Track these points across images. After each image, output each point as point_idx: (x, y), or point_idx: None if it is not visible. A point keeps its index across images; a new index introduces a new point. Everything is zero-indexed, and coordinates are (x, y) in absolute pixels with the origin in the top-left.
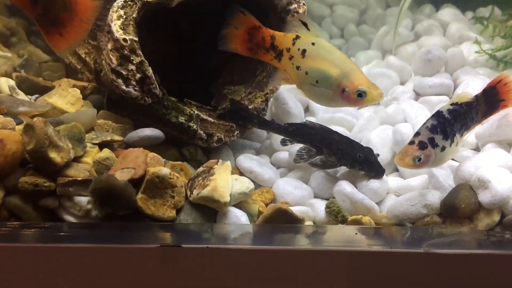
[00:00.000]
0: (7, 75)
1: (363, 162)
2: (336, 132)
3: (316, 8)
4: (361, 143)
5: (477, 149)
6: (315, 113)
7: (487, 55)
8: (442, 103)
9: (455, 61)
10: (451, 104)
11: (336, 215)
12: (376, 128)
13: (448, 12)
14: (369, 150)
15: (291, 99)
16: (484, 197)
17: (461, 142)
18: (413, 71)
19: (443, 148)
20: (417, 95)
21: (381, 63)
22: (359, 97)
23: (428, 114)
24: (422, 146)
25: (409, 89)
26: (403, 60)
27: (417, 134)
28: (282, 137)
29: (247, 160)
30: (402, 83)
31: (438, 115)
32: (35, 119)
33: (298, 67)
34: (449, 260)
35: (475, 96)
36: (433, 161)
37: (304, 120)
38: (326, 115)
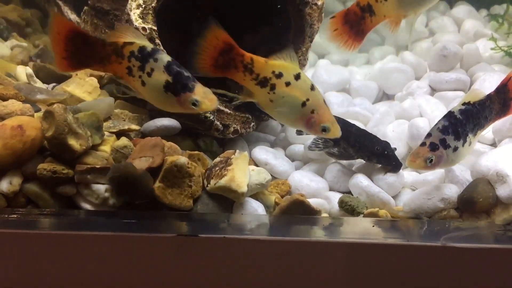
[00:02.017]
0: (23, 64)
1: (380, 155)
2: (354, 125)
3: (329, 4)
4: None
5: (493, 144)
6: (330, 107)
7: (502, 52)
8: (458, 98)
9: (471, 57)
10: (463, 104)
11: (351, 212)
12: (392, 122)
13: (462, 9)
14: (386, 143)
15: None
16: (502, 191)
17: (474, 142)
18: (428, 67)
19: (455, 149)
20: (433, 90)
21: (395, 58)
22: (323, 131)
23: (444, 109)
24: (433, 147)
25: (425, 84)
26: (417, 56)
27: (428, 135)
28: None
29: (262, 152)
30: (417, 79)
31: (449, 115)
32: (55, 105)
33: (273, 92)
34: (466, 254)
35: (488, 95)
36: (445, 161)
37: None
38: (341, 109)
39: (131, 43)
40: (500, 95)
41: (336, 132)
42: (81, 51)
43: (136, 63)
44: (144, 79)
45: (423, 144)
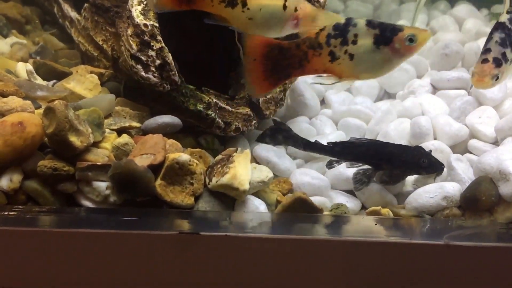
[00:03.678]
0: (23, 61)
1: (428, 166)
2: (388, 143)
3: (330, 3)
4: (378, 136)
5: (496, 142)
6: (331, 105)
7: None
8: (459, 97)
9: (472, 56)
10: (508, 12)
11: None
12: (394, 121)
13: (463, 9)
14: (423, 150)
15: (307, 91)
16: (505, 189)
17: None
18: (429, 65)
19: (511, 61)
20: (434, 88)
21: None
22: (313, 21)
23: (446, 108)
24: (498, 63)
25: (426, 83)
26: (419, 55)
27: (487, 50)
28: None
29: (264, 150)
30: (419, 77)
31: (502, 26)
32: (56, 101)
33: (247, 8)
34: (469, 253)
35: None
36: (506, 74)
37: (347, 137)
38: (342, 107)
39: (321, 29)
40: None
41: (323, 18)
42: (279, 64)
43: (336, 42)
44: (351, 50)
45: (485, 60)
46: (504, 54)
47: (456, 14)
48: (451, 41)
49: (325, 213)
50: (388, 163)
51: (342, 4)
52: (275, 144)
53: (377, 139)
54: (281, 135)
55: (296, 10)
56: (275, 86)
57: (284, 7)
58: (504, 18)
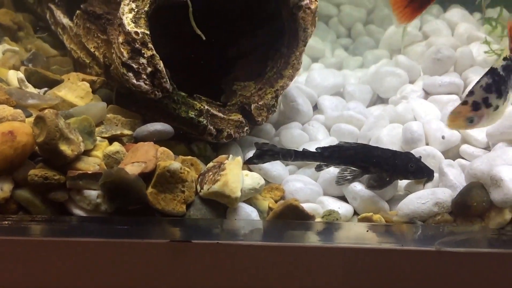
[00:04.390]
0: (15, 69)
1: (415, 171)
2: (376, 148)
3: (324, 8)
4: (371, 142)
5: (487, 148)
6: (324, 111)
7: (496, 56)
8: (452, 102)
9: (464, 60)
10: (504, 59)
11: None
12: (386, 126)
13: (456, 13)
14: (412, 156)
15: (300, 97)
16: (496, 195)
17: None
18: (422, 70)
19: (496, 107)
20: (427, 94)
21: (389, 62)
22: None
23: (438, 113)
24: (476, 106)
25: (419, 88)
26: (411, 60)
27: (470, 93)
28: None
29: None
30: (411, 82)
31: (492, 72)
32: (46, 110)
33: None
34: (460, 259)
35: None
36: (484, 121)
37: (337, 142)
38: (335, 113)
39: None
40: None
41: None
42: None
43: None
44: None
45: (464, 102)
46: (486, 99)
47: (449, 18)
48: (443, 46)
49: (317, 219)
50: (376, 166)
51: (335, 8)
52: (264, 162)
53: (370, 144)
54: (267, 154)
55: None
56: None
57: None
58: (498, 63)
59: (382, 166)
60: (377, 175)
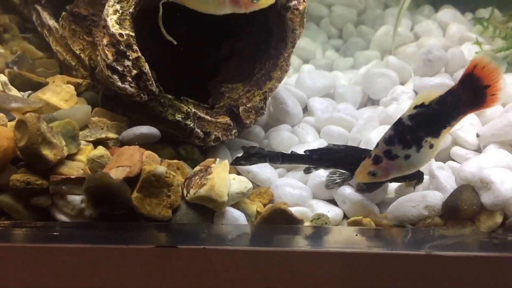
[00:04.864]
0: (0, 71)
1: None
2: (366, 150)
3: (315, 8)
4: (361, 144)
5: (478, 150)
6: (314, 113)
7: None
8: None
9: (456, 61)
10: (415, 107)
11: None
12: (376, 128)
13: (447, 13)
14: None
15: (289, 98)
16: (486, 198)
17: (439, 143)
18: (413, 71)
19: (407, 157)
20: (417, 95)
21: (380, 63)
22: (254, 0)
23: None
24: (376, 161)
25: (409, 89)
26: (402, 61)
27: (376, 146)
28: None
29: None
30: (402, 83)
31: (397, 123)
32: (27, 114)
33: None
34: (451, 263)
35: (449, 89)
36: (398, 170)
37: (325, 144)
38: (325, 115)
39: None
40: (467, 86)
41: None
42: None
43: None
44: None
45: (369, 156)
46: (387, 152)
47: (440, 19)
48: (434, 47)
49: (306, 223)
50: None
51: (326, 9)
52: (252, 164)
53: (360, 146)
54: (255, 157)
55: None
56: None
57: None
58: (406, 114)
59: None
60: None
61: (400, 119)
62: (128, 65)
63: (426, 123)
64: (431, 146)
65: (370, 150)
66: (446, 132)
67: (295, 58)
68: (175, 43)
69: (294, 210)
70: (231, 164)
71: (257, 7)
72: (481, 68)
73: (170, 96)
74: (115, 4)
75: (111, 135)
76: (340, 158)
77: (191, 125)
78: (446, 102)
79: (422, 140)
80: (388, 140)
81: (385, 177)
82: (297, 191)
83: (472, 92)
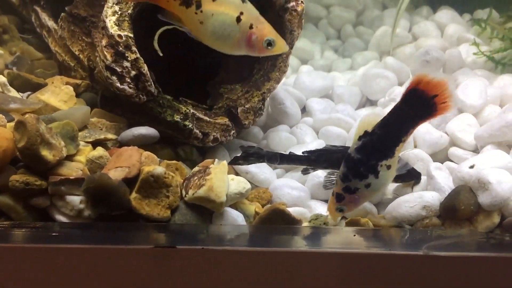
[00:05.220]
0: None
1: (403, 174)
2: None
3: (313, 9)
4: None
5: (475, 150)
6: (312, 114)
7: (485, 57)
8: None
9: (453, 62)
10: (359, 138)
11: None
12: None
13: (445, 14)
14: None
15: (288, 99)
16: (484, 198)
17: (395, 160)
18: (411, 72)
19: (368, 185)
20: None
21: (378, 64)
22: (268, 46)
23: None
24: (339, 198)
25: None
26: (401, 62)
27: (336, 183)
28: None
29: None
30: (400, 84)
31: (347, 159)
32: (26, 115)
33: (200, 10)
34: (449, 263)
35: (391, 110)
36: (364, 198)
37: (323, 145)
38: (323, 116)
39: None
40: (412, 101)
41: (282, 45)
42: None
43: None
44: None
45: (332, 193)
46: (347, 188)
47: (438, 20)
48: (432, 48)
49: (304, 224)
50: None
51: (324, 10)
52: (250, 164)
53: None
54: (253, 157)
55: (251, 27)
56: None
57: (238, 19)
58: (352, 148)
59: None
60: None
61: (348, 155)
62: (127, 66)
63: (375, 150)
64: (389, 167)
65: None
66: (400, 148)
67: (294, 58)
68: (161, 55)
69: (292, 210)
70: (229, 163)
71: (271, 53)
72: (425, 83)
73: (169, 97)
74: (114, 5)
75: (110, 136)
76: (337, 159)
77: (190, 126)
78: (391, 123)
79: (377, 166)
80: (343, 177)
81: (354, 208)
82: (296, 192)
83: (419, 105)
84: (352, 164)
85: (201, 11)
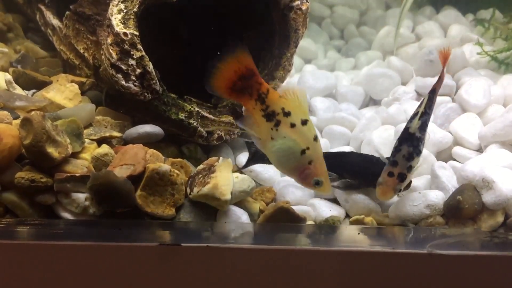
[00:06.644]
0: (4, 70)
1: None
2: (352, 153)
3: (316, 9)
4: (363, 143)
5: (479, 150)
6: (316, 113)
7: (488, 57)
8: (444, 103)
9: (457, 62)
10: (420, 118)
11: None
12: (378, 128)
13: (448, 14)
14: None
15: None
16: (488, 197)
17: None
18: (414, 71)
19: (416, 168)
20: (419, 95)
21: (382, 63)
22: (316, 185)
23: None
24: (402, 178)
25: (411, 90)
26: (404, 61)
27: (394, 163)
28: None
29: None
30: (404, 84)
31: (411, 138)
32: (33, 112)
33: (277, 128)
34: (452, 261)
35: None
36: (406, 182)
37: None
38: (327, 115)
39: None
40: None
41: (327, 188)
42: None
43: None
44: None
45: (391, 174)
46: (410, 168)
47: (442, 20)
48: (435, 47)
49: (309, 222)
50: (348, 173)
51: (328, 9)
52: (256, 163)
53: (362, 146)
54: (258, 154)
55: (310, 163)
56: None
57: (303, 151)
58: (414, 126)
59: (353, 173)
60: (349, 181)
61: (412, 134)
62: (132, 64)
63: (426, 128)
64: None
65: (354, 153)
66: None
67: (297, 58)
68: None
69: (296, 208)
70: (241, 168)
71: (314, 190)
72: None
73: (173, 95)
74: (120, 3)
75: (115, 133)
76: (331, 165)
77: (195, 124)
78: (432, 105)
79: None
80: (408, 157)
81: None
82: (299, 190)
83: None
84: (416, 143)
85: (277, 130)
